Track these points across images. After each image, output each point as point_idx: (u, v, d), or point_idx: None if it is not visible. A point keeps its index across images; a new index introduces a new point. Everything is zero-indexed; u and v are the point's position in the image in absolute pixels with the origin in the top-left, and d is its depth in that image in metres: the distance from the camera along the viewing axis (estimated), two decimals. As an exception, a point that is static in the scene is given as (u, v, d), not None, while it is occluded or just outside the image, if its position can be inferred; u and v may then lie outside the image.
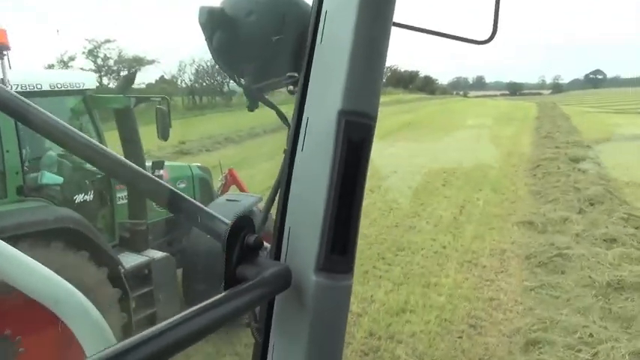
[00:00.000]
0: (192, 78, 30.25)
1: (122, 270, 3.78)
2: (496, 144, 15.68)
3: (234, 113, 27.48)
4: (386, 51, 0.70)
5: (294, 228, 0.74)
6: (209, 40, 0.82)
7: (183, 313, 0.54)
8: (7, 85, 3.37)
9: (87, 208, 3.96)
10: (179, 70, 30.74)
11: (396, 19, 0.71)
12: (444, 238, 7.23)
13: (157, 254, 4.27)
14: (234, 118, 23.65)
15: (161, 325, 0.51)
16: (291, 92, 0.78)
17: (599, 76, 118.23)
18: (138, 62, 24.83)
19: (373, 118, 0.69)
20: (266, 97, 0.85)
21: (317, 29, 0.72)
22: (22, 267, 0.79)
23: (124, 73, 25.53)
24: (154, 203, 3.70)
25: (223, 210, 4.19)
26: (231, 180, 6.37)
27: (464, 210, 8.69)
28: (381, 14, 0.68)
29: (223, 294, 0.61)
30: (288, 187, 0.75)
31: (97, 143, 0.83)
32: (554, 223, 7.58)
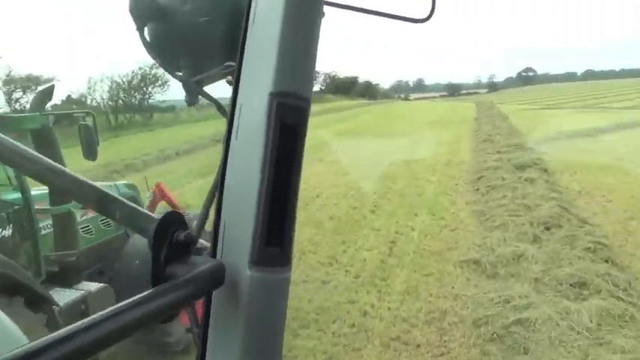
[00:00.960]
0: (106, 95, 27.17)
1: (57, 309, 3.39)
2: (434, 152, 14.20)
3: (156, 132, 24.94)
4: (318, 31, 0.68)
5: (229, 222, 0.72)
6: (140, 30, 0.80)
7: (105, 311, 0.52)
8: None
9: (7, 245, 3.57)
10: (89, 88, 27.51)
11: None
12: (366, 299, 5.33)
13: (93, 286, 3.91)
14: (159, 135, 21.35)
15: (81, 323, 0.49)
16: (230, 83, 0.76)
17: (531, 73, 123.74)
18: (33, 82, 21.60)
19: (307, 101, 0.68)
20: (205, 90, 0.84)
21: (250, 9, 0.71)
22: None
23: (17, 94, 22.23)
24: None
25: None
26: (159, 195, 5.75)
27: (395, 247, 6.86)
28: None
29: (148, 292, 0.58)
30: (224, 180, 0.73)
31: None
32: (505, 261, 5.87)
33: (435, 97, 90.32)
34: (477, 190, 9.65)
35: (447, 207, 8.75)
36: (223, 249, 0.71)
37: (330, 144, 16.23)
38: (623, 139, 15.98)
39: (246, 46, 0.70)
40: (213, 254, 0.72)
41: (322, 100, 48.55)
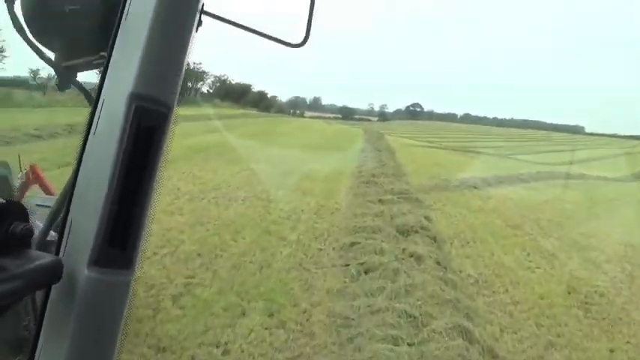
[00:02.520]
0: None
1: None
2: (305, 191, 11.22)
3: None
4: (189, 39, 0.68)
5: (76, 219, 0.71)
6: (10, 6, 0.76)
7: None
8: None
9: None
10: None
11: (211, 9, 0.75)
12: None
13: None
14: None
15: None
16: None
17: (418, 109, 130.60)
18: None
19: (169, 107, 0.68)
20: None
21: (125, 5, 0.70)
22: None
23: None
24: None
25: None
26: (32, 178, 5.05)
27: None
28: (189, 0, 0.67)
29: None
30: (77, 175, 0.72)
31: None
32: None
33: (329, 118, 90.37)
34: (346, 268, 6.67)
35: (296, 300, 5.58)
36: (67, 246, 0.70)
37: (177, 166, 12.48)
38: (509, 197, 14.63)
39: (116, 41, 0.69)
40: (57, 251, 0.71)
41: (204, 104, 44.11)
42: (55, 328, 0.70)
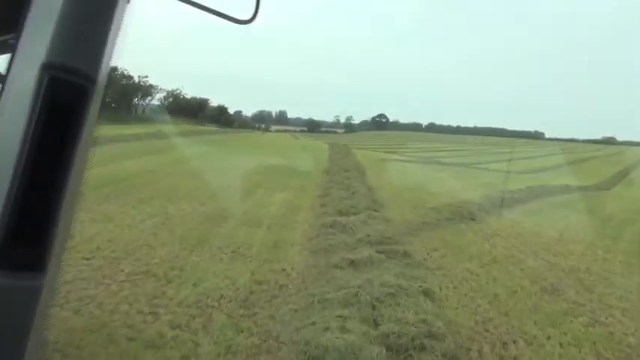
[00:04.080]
0: None
1: None
2: (235, 255, 7.29)
3: None
4: (113, 7, 0.61)
5: None
6: None
7: None
8: None
9: None
10: None
11: None
12: None
13: None
14: None
15: None
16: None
17: (384, 120, 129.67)
18: None
19: (91, 80, 0.60)
20: None
21: None
22: None
23: None
24: None
25: None
26: None
27: None
28: None
29: None
30: None
31: None
32: None
33: (295, 131, 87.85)
34: None
35: None
36: None
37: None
38: (518, 231, 11.19)
39: (29, 12, 0.62)
40: None
41: (150, 121, 39.63)
42: None
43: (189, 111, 54.41)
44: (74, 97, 0.57)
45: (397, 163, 29.51)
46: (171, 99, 54.17)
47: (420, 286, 6.17)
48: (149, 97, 47.59)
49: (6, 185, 0.54)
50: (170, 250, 7.05)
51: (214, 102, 66.66)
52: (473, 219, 11.90)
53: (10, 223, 0.54)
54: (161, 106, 52.57)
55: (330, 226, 8.92)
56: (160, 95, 51.51)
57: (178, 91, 55.03)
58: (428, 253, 8.18)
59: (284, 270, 6.64)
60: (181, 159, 17.74)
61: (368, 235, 8.36)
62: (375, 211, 11.04)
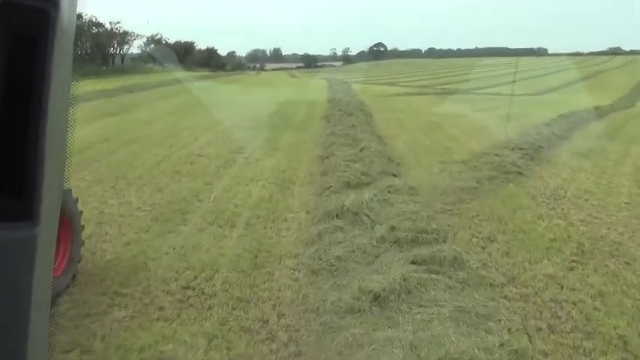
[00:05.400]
0: None
1: None
2: (206, 273, 4.60)
3: None
4: None
5: None
6: None
7: None
8: None
9: None
10: None
11: None
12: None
13: None
14: None
15: None
16: None
17: (382, 49, 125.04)
18: None
19: (51, 2, 0.52)
20: None
21: None
22: None
23: None
24: None
25: None
26: None
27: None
28: None
29: None
30: None
31: None
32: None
33: (291, 68, 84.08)
34: None
35: None
36: None
37: None
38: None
39: None
40: None
41: (130, 72, 36.05)
42: None
43: (175, 57, 50.17)
44: (34, 22, 0.49)
45: (404, 97, 26.19)
46: (152, 45, 49.74)
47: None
48: (126, 46, 43.29)
49: None
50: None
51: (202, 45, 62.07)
52: (520, 172, 9.09)
53: None
54: (143, 55, 48.37)
55: (337, 216, 6.16)
56: (139, 42, 47.13)
57: (159, 36, 50.44)
58: (484, 249, 5.50)
59: (264, 325, 3.97)
60: (145, 120, 14.69)
61: (393, 229, 5.63)
62: (394, 176, 8.25)
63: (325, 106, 19.19)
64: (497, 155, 10.34)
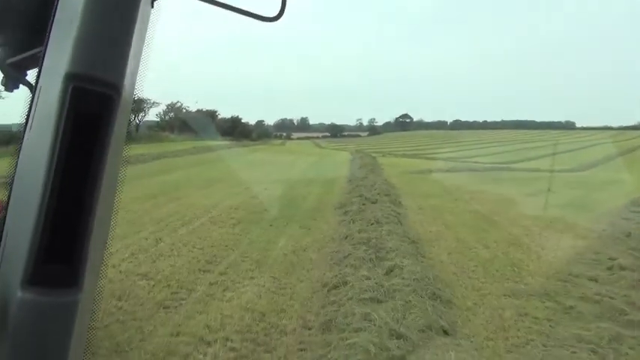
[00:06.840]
0: None
1: None
2: None
3: None
4: (135, 14, 0.58)
5: (12, 231, 0.58)
6: None
7: None
8: None
9: None
10: None
11: None
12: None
13: None
14: None
15: None
16: None
17: (407, 120, 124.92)
18: None
19: (115, 89, 0.57)
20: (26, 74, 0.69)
21: None
22: None
23: None
24: None
25: None
26: None
27: None
28: None
29: None
30: (13, 180, 0.61)
31: None
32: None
33: (317, 137, 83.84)
34: None
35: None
36: (2, 263, 0.58)
37: None
38: None
39: (54, 23, 0.60)
40: None
41: (142, 140, 34.14)
42: None
43: (195, 126, 49.03)
44: (98, 106, 0.54)
45: (436, 175, 22.94)
46: (172, 113, 48.87)
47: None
48: (141, 113, 42.25)
49: (37, 200, 0.51)
50: None
51: (227, 113, 61.56)
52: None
53: (43, 239, 0.51)
54: (161, 122, 47.35)
55: None
56: (158, 110, 46.31)
57: (179, 105, 49.72)
58: None
59: None
60: (142, 195, 11.57)
61: None
62: (446, 333, 4.77)
63: (343, 187, 16.00)
64: (594, 280, 6.79)
